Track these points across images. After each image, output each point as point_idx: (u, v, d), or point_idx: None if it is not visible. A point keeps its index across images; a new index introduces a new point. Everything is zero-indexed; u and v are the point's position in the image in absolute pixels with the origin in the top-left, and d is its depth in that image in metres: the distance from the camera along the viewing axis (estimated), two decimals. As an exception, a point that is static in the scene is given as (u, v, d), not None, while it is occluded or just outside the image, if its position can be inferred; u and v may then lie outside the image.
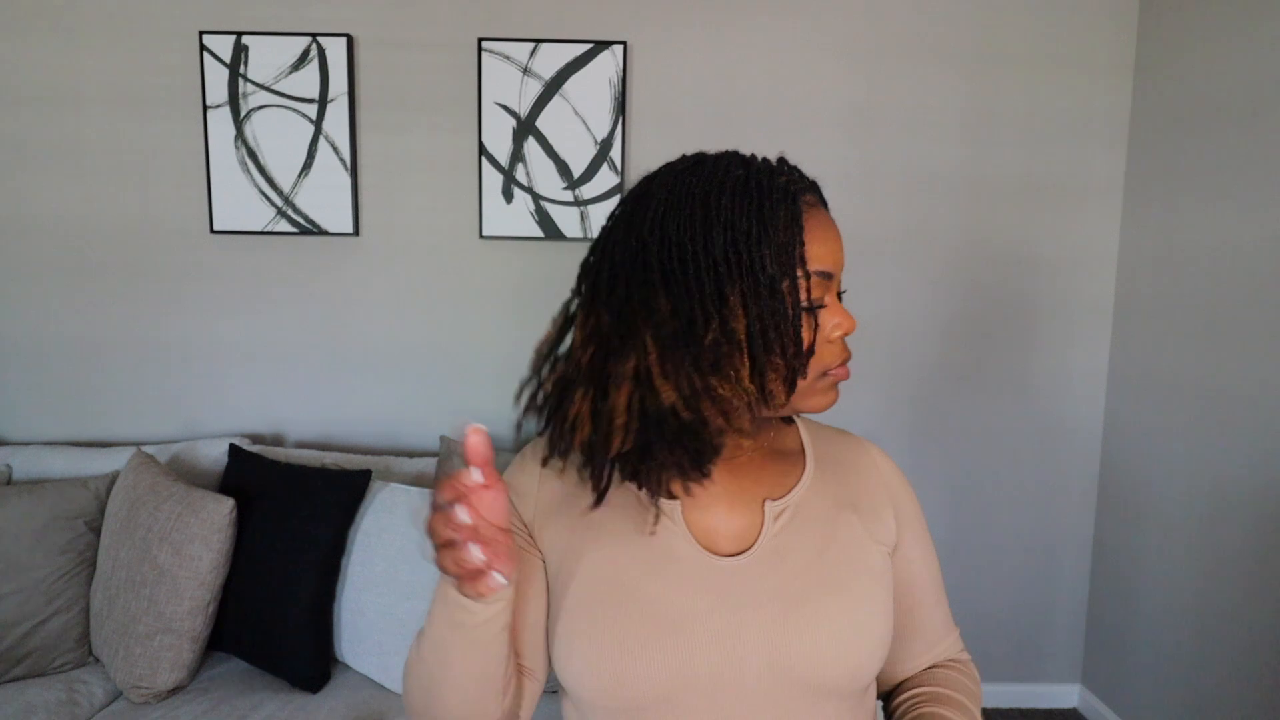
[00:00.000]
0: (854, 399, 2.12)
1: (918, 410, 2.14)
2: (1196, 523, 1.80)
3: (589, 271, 0.64)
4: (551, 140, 1.97)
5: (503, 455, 1.78)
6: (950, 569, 2.19)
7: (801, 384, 0.61)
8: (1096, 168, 2.07)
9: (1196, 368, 1.80)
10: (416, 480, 1.85)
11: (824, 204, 0.64)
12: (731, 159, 0.62)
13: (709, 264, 0.57)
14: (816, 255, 0.60)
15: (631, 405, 0.58)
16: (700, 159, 0.63)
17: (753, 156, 0.64)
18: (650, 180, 0.64)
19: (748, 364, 0.58)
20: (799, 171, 0.64)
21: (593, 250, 0.65)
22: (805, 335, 0.59)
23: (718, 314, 0.57)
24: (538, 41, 1.94)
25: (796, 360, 0.59)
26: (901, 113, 2.03)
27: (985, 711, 2.20)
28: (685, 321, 0.58)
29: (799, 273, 0.59)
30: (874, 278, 2.08)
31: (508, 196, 1.99)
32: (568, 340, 0.64)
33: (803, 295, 0.59)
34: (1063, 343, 2.12)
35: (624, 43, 1.95)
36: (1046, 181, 2.06)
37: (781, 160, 0.64)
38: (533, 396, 0.64)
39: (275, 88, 1.94)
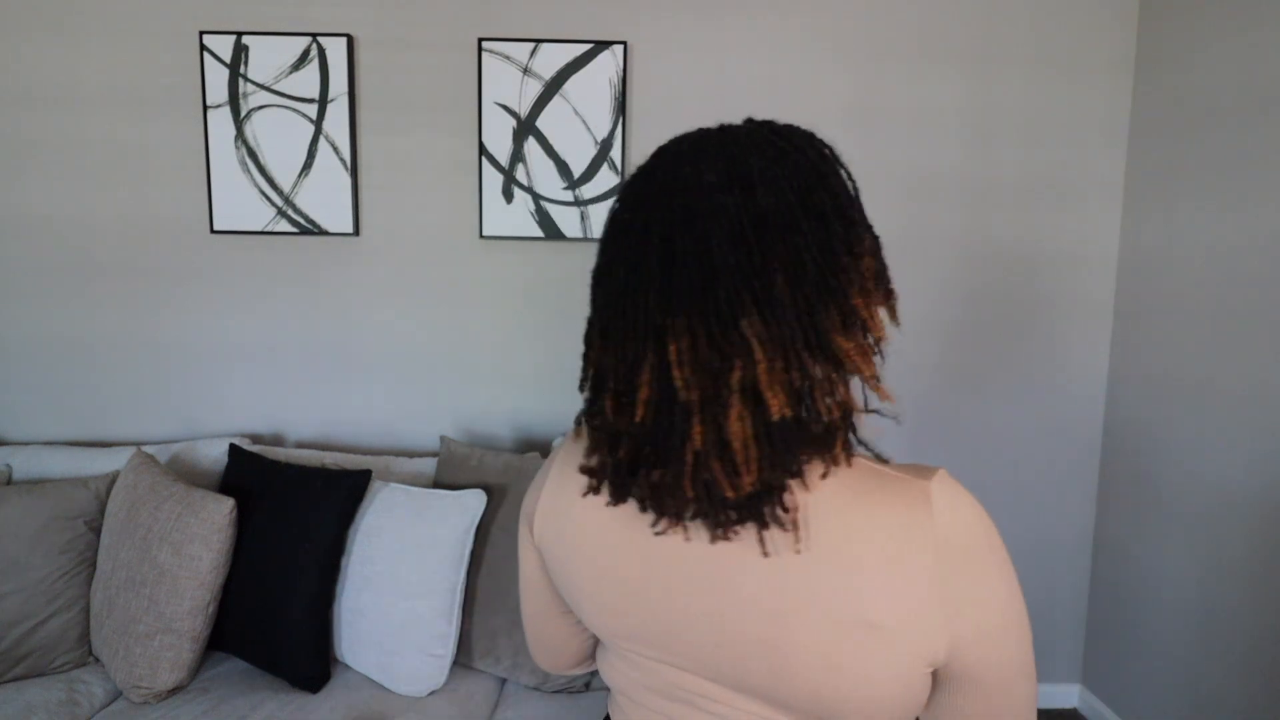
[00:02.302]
0: (854, 399, 2.11)
1: (918, 410, 2.14)
2: (1197, 522, 1.80)
3: (651, 270, 0.54)
4: (552, 140, 1.97)
5: (502, 455, 1.78)
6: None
7: None
8: (1096, 168, 2.07)
9: (1196, 367, 1.80)
10: (416, 480, 1.85)
11: None
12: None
13: (837, 208, 0.53)
14: None
15: (747, 428, 0.52)
16: (766, 123, 0.59)
17: None
18: (699, 152, 0.56)
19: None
20: None
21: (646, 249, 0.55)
22: None
23: (855, 268, 0.53)
24: (538, 41, 1.94)
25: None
26: (901, 113, 2.03)
27: (985, 711, 2.20)
28: (814, 287, 0.51)
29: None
30: (874, 278, 2.08)
31: (508, 196, 1.99)
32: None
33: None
34: (1063, 343, 2.12)
35: (624, 43, 1.95)
36: (1046, 181, 2.06)
37: None
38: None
39: (275, 88, 1.94)
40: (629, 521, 0.61)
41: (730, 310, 0.51)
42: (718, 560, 0.57)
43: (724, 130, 0.57)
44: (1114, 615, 2.10)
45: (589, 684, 1.62)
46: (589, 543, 0.63)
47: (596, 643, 0.79)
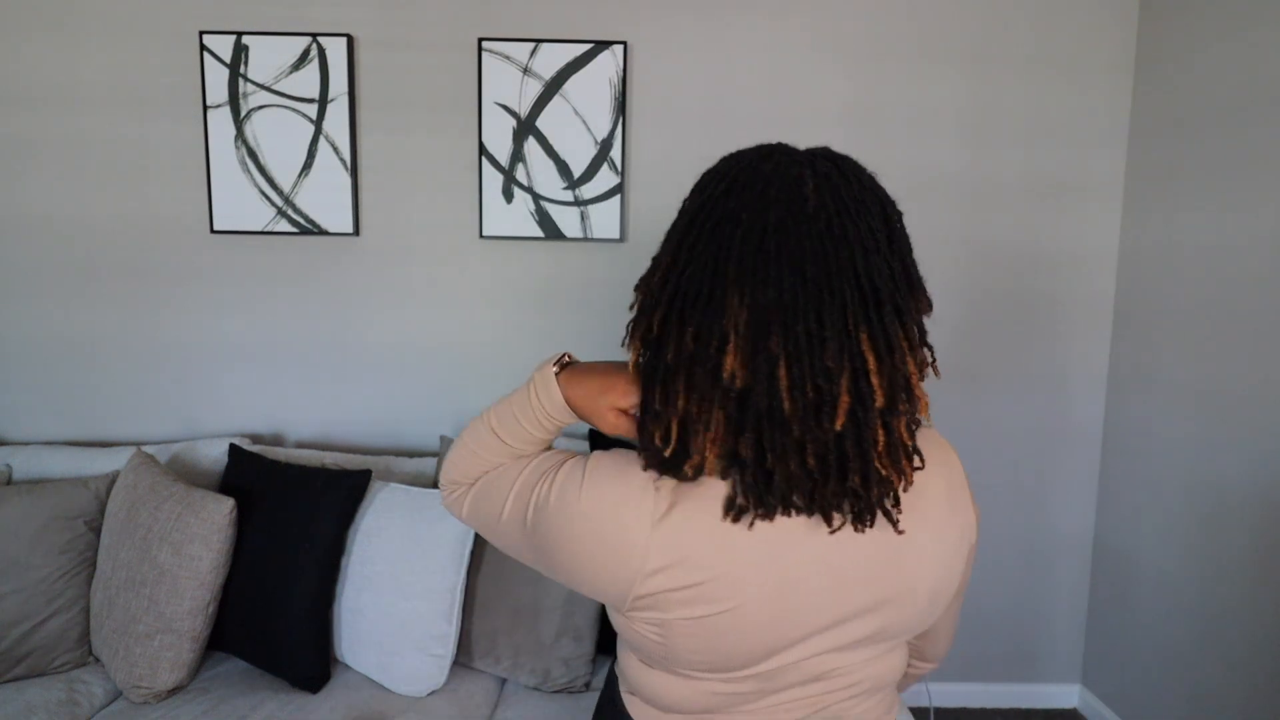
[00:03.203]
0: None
1: (918, 410, 2.14)
2: (1197, 523, 1.80)
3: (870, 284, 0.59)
4: (552, 140, 1.97)
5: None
6: (950, 569, 2.19)
7: None
8: (1096, 168, 2.07)
9: (1196, 367, 1.80)
10: (416, 480, 1.85)
11: None
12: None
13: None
14: None
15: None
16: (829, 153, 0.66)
17: None
18: (842, 177, 0.64)
19: None
20: None
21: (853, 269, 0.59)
22: None
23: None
24: (538, 41, 1.94)
25: None
26: (901, 113, 2.03)
27: (985, 712, 2.20)
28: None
29: None
30: (874, 278, 2.08)
31: (508, 196, 1.99)
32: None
33: None
34: (1063, 343, 2.12)
35: (624, 43, 1.95)
36: (1046, 181, 2.06)
37: None
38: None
39: (275, 88, 1.94)
40: (780, 536, 0.61)
41: (895, 327, 0.59)
42: (867, 541, 0.63)
43: (841, 158, 0.65)
44: (1114, 615, 2.10)
45: (589, 684, 1.62)
46: (754, 574, 0.61)
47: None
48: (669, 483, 0.63)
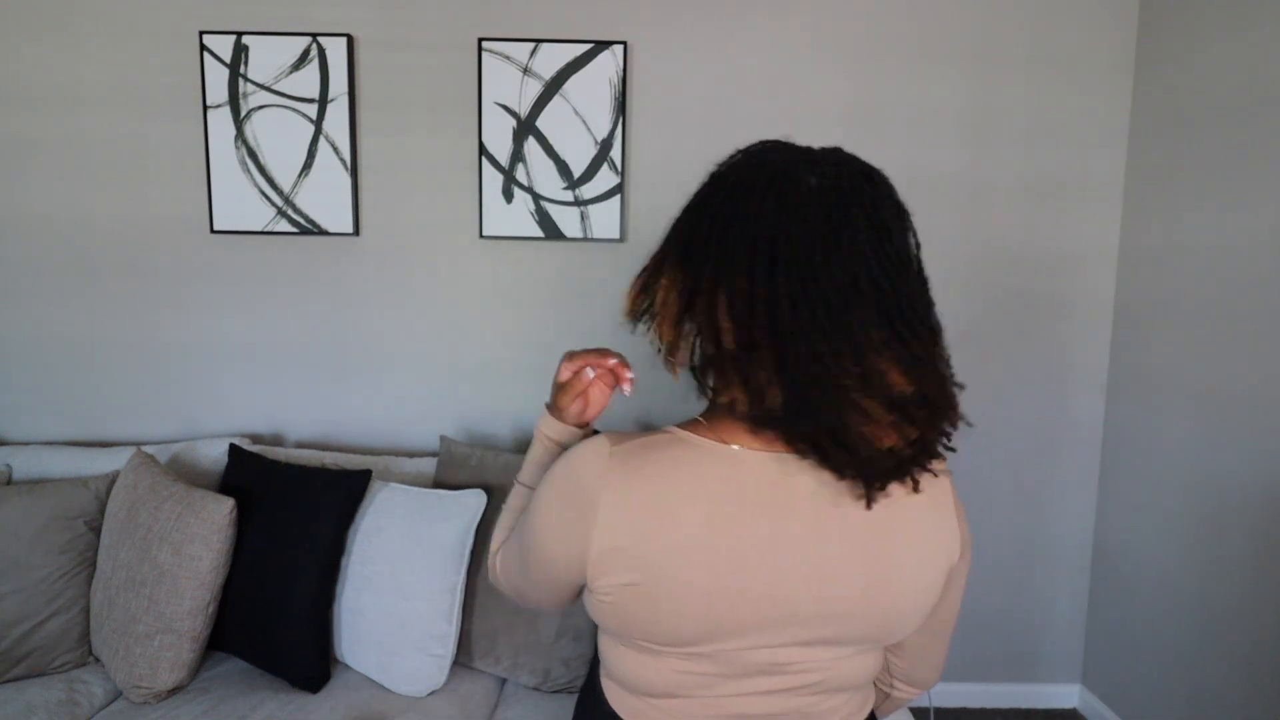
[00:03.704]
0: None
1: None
2: (1197, 522, 1.80)
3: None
4: (552, 140, 1.97)
5: (502, 455, 1.78)
6: (950, 569, 2.19)
7: None
8: (1096, 168, 2.07)
9: (1196, 367, 1.80)
10: (416, 480, 1.85)
11: None
12: None
13: None
14: None
15: None
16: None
17: None
18: (881, 184, 0.70)
19: None
20: None
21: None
22: None
23: None
24: (538, 41, 1.94)
25: None
26: (901, 113, 2.03)
27: (985, 712, 2.20)
28: None
29: None
30: (874, 278, 2.08)
31: (508, 196, 1.99)
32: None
33: None
34: (1063, 343, 2.12)
35: (624, 43, 1.95)
36: (1046, 181, 2.06)
37: None
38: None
39: (275, 88, 1.94)
40: (739, 517, 0.64)
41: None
42: (837, 541, 0.65)
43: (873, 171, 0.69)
44: (1114, 615, 2.10)
45: (589, 684, 1.62)
46: (699, 547, 0.63)
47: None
48: (623, 448, 0.67)
